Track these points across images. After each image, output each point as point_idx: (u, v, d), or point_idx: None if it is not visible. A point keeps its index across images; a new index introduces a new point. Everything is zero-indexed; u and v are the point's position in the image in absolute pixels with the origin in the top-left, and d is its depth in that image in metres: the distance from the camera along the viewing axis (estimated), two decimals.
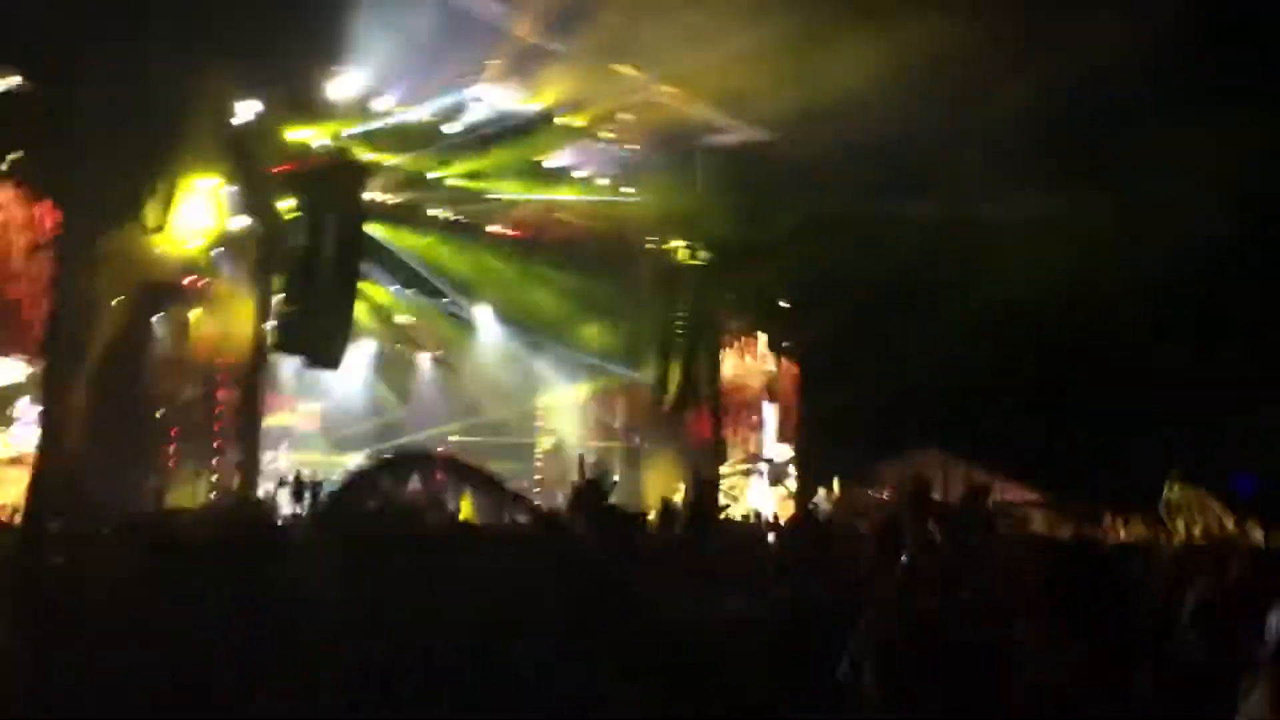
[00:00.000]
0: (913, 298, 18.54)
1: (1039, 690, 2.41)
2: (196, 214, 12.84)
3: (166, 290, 12.80)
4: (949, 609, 3.32)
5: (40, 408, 11.59)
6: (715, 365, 19.31)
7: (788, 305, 20.13)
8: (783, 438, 20.02)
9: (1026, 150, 15.40)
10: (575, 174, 17.27)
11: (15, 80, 11.43)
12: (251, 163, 13.31)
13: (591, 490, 5.22)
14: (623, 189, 17.77)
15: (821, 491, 16.83)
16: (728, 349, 19.98)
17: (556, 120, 16.04)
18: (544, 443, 18.49)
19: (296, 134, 13.88)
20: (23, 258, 11.50)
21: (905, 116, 15.31)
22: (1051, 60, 14.05)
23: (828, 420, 18.66)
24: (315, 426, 16.16)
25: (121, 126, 11.85)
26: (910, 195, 16.87)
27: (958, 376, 17.19)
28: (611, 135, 16.96)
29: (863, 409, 16.95)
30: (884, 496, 15.99)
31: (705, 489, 12.52)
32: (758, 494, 18.69)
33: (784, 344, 20.27)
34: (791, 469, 19.53)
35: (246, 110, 13.17)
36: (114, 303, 12.22)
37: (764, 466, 19.32)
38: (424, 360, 18.13)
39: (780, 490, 19.03)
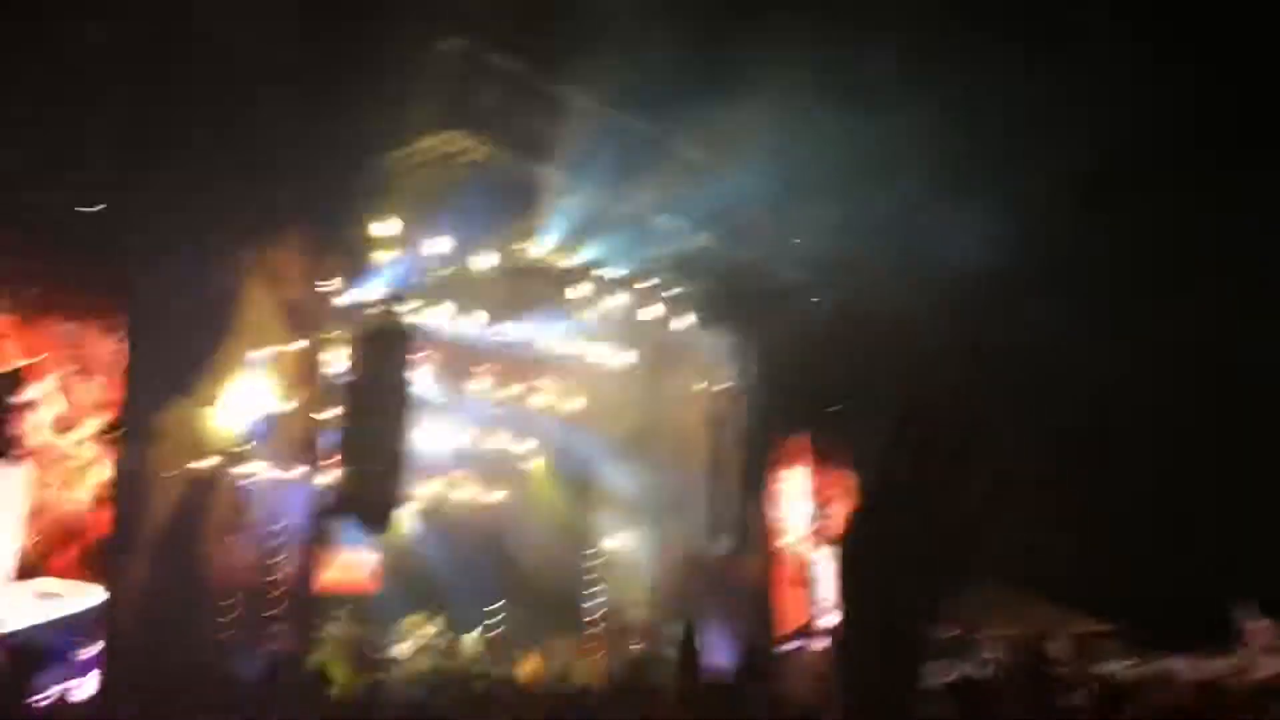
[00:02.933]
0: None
1: None
2: (249, 386, 13.01)
3: (219, 462, 12.84)
4: None
5: None
6: (763, 503, 18.71)
7: (839, 409, 19.24)
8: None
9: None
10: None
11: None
12: (304, 331, 13.53)
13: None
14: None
15: None
16: (777, 480, 19.26)
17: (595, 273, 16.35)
18: (597, 604, 17.92)
19: (346, 297, 14.15)
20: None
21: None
22: None
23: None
24: (375, 587, 15.97)
25: (179, 299, 12.14)
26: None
27: (1028, 504, 17.00)
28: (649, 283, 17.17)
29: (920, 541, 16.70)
30: (952, 634, 15.59)
31: (754, 660, 11.94)
32: None
33: (836, 456, 19.15)
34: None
35: (301, 276, 13.48)
36: (171, 476, 12.33)
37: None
38: (473, 520, 17.82)
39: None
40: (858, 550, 1.34)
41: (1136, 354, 17.75)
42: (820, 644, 16.86)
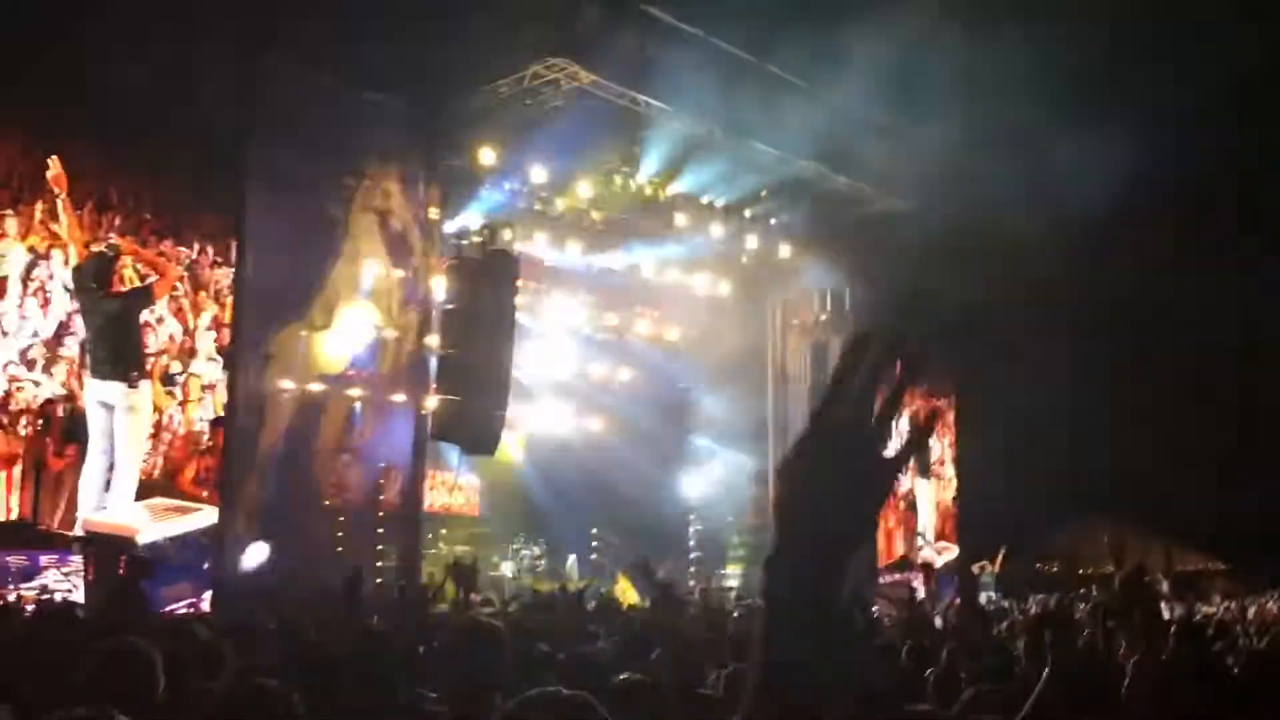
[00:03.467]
0: (1076, 351, 18.04)
1: None
2: (356, 312, 13.27)
3: (327, 386, 13.16)
4: None
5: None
6: None
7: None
8: (942, 533, 18.78)
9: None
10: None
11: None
12: (413, 257, 13.73)
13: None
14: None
15: (984, 566, 16.09)
16: None
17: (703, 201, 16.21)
18: (694, 531, 18.04)
19: (451, 224, 14.31)
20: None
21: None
22: None
23: (990, 492, 17.88)
24: (475, 510, 16.32)
25: (288, 225, 12.40)
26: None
27: (1134, 438, 16.57)
28: (749, 211, 17.00)
29: (1031, 475, 16.31)
30: (1053, 569, 15.46)
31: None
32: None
33: (937, 385, 18.86)
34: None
35: (407, 203, 13.65)
36: (282, 398, 12.68)
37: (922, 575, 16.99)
38: (573, 446, 18.06)
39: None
40: (790, 479, 1.35)
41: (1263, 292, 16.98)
42: (919, 578, 16.79)
